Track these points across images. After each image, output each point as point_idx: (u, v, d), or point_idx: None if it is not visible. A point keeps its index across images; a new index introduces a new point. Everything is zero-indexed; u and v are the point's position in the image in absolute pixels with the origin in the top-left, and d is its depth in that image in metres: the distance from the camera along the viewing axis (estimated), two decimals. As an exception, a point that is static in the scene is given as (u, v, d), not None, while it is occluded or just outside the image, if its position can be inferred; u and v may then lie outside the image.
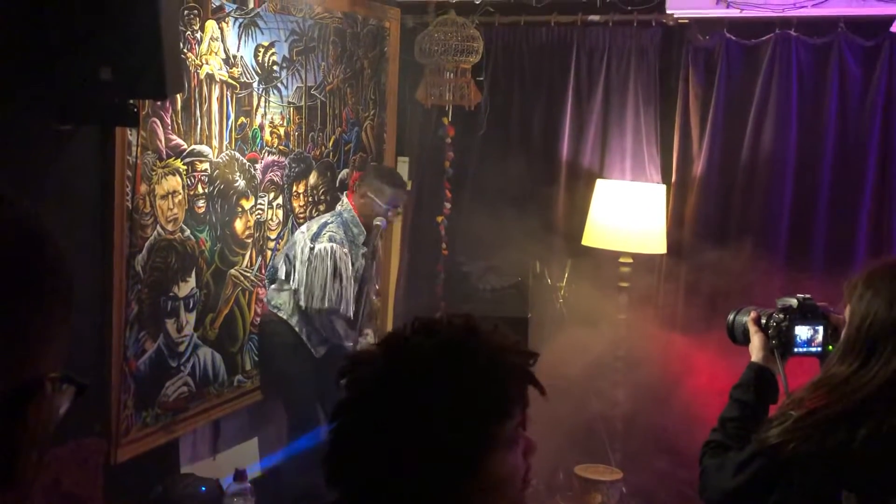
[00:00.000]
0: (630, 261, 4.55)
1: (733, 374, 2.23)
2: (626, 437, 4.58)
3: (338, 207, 4.21)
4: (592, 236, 4.57)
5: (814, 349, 2.16)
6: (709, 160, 4.55)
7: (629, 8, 4.63)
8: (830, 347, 2.08)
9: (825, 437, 1.79)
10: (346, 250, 4.03)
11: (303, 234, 4.07)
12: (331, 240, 4.00)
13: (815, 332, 2.17)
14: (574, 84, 4.82)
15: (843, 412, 1.80)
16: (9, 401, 0.71)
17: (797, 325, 2.15)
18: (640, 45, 4.69)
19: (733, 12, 4.33)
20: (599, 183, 4.63)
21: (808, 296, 2.20)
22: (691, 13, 4.49)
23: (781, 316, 2.16)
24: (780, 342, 2.14)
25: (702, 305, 4.52)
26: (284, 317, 4.06)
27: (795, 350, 2.15)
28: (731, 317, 2.31)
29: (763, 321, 2.20)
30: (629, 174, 4.74)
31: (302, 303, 3.99)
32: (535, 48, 4.92)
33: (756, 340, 2.18)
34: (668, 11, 4.51)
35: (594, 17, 4.76)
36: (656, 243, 4.50)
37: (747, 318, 2.23)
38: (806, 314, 2.17)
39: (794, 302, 2.18)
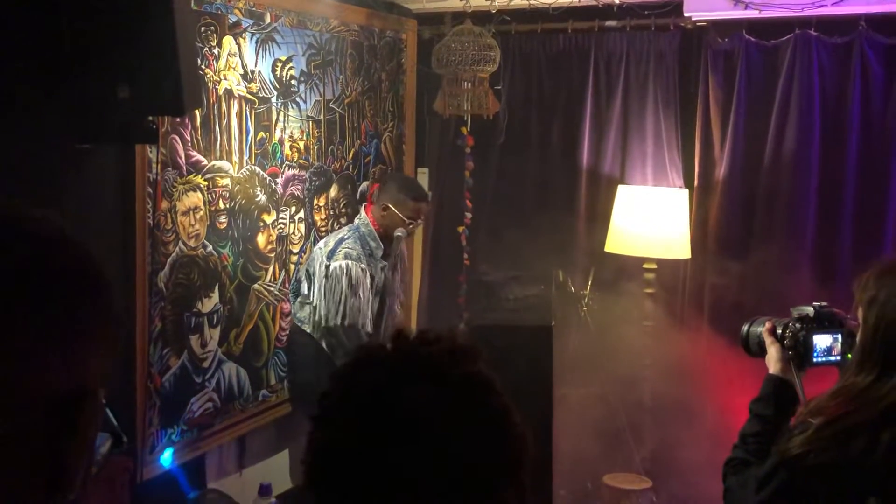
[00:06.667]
0: (654, 266, 4.51)
1: (761, 380, 2.18)
2: (655, 445, 4.54)
3: (356, 221, 4.19)
4: (615, 243, 4.54)
5: (833, 358, 2.10)
6: (731, 163, 4.51)
7: (646, 12, 4.60)
8: (849, 355, 2.01)
9: (847, 444, 1.74)
10: (363, 266, 4.02)
11: (320, 251, 4.06)
12: (346, 257, 3.99)
13: (835, 340, 2.10)
14: (593, 90, 4.80)
15: (864, 422, 1.74)
16: (62, 402, 0.75)
17: (815, 334, 2.09)
18: (659, 50, 4.67)
19: (752, 13, 4.29)
20: (621, 189, 4.60)
21: (824, 303, 2.14)
22: (709, 15, 4.46)
23: (798, 325, 2.10)
24: (798, 353, 2.08)
25: (728, 310, 4.46)
26: (308, 330, 4.07)
27: (814, 360, 2.09)
28: (745, 328, 2.24)
29: (779, 331, 2.13)
30: (651, 179, 4.70)
31: (321, 319, 4.00)
32: (552, 55, 4.90)
33: (773, 352, 2.12)
34: (686, 14, 4.48)
35: (611, 23, 4.74)
36: (680, 248, 4.46)
37: (762, 329, 2.16)
38: (823, 322, 2.11)
39: (810, 310, 2.12)
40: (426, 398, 1.09)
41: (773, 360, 2.11)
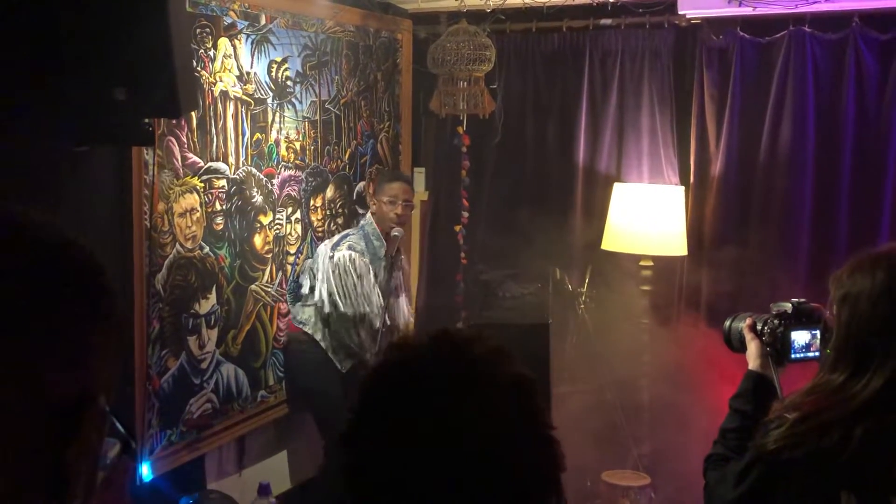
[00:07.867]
0: (651, 264, 4.52)
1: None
2: (653, 441, 4.54)
3: (361, 222, 4.25)
4: (612, 240, 4.55)
5: (811, 354, 2.10)
6: (727, 160, 4.53)
7: (641, 10, 4.61)
8: (829, 351, 2.02)
9: (822, 437, 1.74)
10: (366, 260, 4.06)
11: (325, 246, 4.14)
12: (350, 248, 4.04)
13: (813, 336, 2.11)
14: (588, 88, 4.81)
15: (838, 417, 1.75)
16: (64, 409, 0.74)
17: (793, 330, 2.10)
18: (654, 47, 4.68)
19: (746, 10, 4.30)
20: (617, 186, 4.61)
21: (802, 299, 2.14)
22: (704, 13, 4.46)
23: (777, 322, 2.11)
24: (776, 349, 2.09)
25: (725, 306, 4.47)
26: (310, 331, 4.08)
27: (792, 356, 2.10)
28: (727, 323, 2.25)
29: (758, 327, 2.14)
30: (647, 177, 4.72)
31: (325, 310, 4.00)
32: (547, 54, 4.91)
33: (752, 348, 2.12)
34: (681, 12, 4.49)
35: (606, 21, 4.75)
36: (677, 245, 4.47)
37: (743, 325, 2.17)
38: (802, 318, 2.11)
39: (788, 307, 2.12)
40: (479, 401, 1.06)
41: (752, 355, 2.12)
